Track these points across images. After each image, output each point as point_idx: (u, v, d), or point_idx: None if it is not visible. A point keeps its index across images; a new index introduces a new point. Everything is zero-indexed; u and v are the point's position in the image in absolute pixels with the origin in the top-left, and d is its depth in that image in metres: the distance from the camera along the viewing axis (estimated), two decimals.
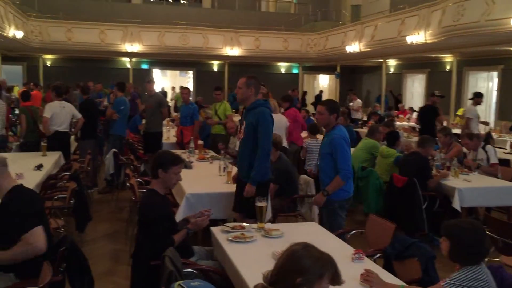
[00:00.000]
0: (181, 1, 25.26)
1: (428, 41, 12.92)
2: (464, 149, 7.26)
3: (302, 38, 20.22)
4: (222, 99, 9.12)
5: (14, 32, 13.86)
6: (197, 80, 22.06)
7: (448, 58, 15.91)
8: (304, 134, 9.48)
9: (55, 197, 5.14)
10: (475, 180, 5.96)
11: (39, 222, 2.91)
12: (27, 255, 2.86)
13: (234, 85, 19.09)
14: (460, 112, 12.83)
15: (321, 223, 4.43)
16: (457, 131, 10.81)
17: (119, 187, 7.89)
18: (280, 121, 7.67)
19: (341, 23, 20.72)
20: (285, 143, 7.72)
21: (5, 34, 13.08)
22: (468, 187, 5.62)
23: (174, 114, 14.96)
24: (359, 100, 14.99)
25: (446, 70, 16.20)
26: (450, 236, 2.60)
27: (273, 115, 7.60)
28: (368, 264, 3.08)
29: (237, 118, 12.32)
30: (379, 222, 4.01)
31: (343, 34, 17.92)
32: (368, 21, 16.69)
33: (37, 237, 2.84)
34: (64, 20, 18.00)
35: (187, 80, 24.23)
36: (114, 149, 7.71)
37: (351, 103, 15.57)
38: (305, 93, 21.21)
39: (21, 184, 3.16)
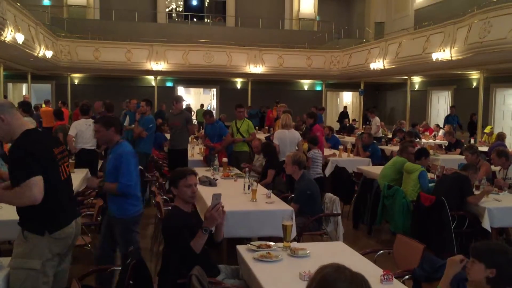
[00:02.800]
0: (206, 20, 25.65)
1: (454, 58, 12.78)
2: (494, 167, 7.11)
3: (325, 55, 20.25)
4: (244, 117, 9.15)
5: (44, 52, 14.27)
6: (220, 98, 22.25)
7: (474, 74, 15.69)
8: (327, 151, 9.45)
9: (83, 214, 5.21)
10: (505, 199, 5.81)
11: (40, 171, 2.86)
12: (22, 202, 2.86)
13: (257, 102, 19.26)
14: (487, 129, 12.58)
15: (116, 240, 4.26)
16: (484, 149, 10.60)
17: (144, 204, 7.94)
18: (293, 137, 7.68)
19: (364, 40, 20.69)
20: None
21: (35, 54, 13.48)
22: (498, 207, 5.48)
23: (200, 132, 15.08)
24: (377, 119, 14.80)
25: (473, 87, 15.97)
26: (481, 259, 2.54)
27: (285, 130, 7.78)
28: (397, 286, 3.02)
29: (260, 135, 12.37)
30: (407, 242, 3.94)
31: (366, 51, 17.89)
32: (392, 38, 16.64)
33: (33, 187, 2.80)
34: (92, 40, 18.47)
35: (211, 97, 24.47)
36: (140, 167, 7.78)
37: (369, 123, 15.43)
38: (322, 109, 20.93)
39: (35, 128, 3.15)
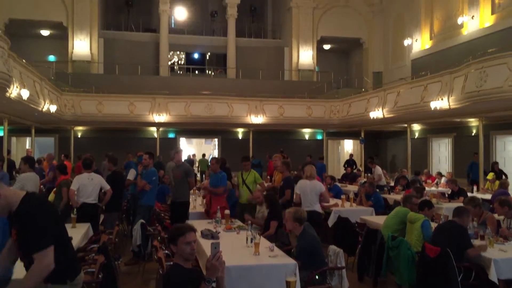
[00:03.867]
0: (207, 72, 26.23)
1: (452, 107, 12.95)
2: (497, 216, 7.06)
3: (325, 105, 20.53)
4: (250, 168, 9.19)
5: (49, 107, 14.50)
6: (222, 148, 22.38)
7: (473, 122, 15.85)
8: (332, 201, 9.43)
9: (84, 271, 5.14)
10: (511, 250, 5.74)
11: (52, 239, 3.06)
12: (42, 275, 3.05)
13: (258, 152, 19.28)
14: (490, 176, 12.56)
15: None
16: (488, 196, 10.55)
17: (146, 258, 7.84)
18: (314, 187, 7.81)
19: (363, 90, 21.03)
20: (318, 208, 7.80)
21: (40, 108, 13.70)
22: (504, 258, 5.39)
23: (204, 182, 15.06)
24: (378, 168, 14.82)
25: (473, 134, 16.08)
26: None
27: (307, 181, 7.85)
28: None
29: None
30: None
31: (365, 100, 18.15)
32: (390, 87, 16.93)
33: (49, 254, 3.02)
34: (95, 94, 18.81)
35: (213, 147, 24.62)
36: (142, 220, 7.75)
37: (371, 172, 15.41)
38: (321, 158, 20.87)
39: (32, 193, 3.26)
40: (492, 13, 16.16)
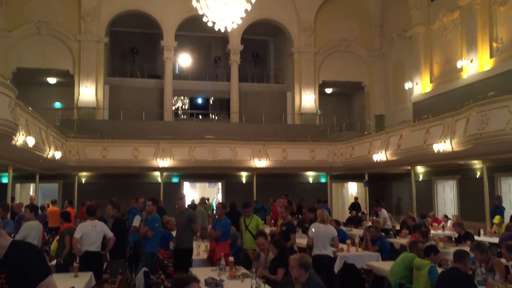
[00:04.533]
0: (211, 116, 26.53)
1: (455, 149, 12.97)
2: (505, 262, 6.94)
3: (328, 148, 20.60)
4: (251, 214, 9.15)
5: (54, 153, 14.61)
6: (226, 192, 22.31)
7: (477, 164, 15.82)
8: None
9: None
10: None
11: (49, 270, 2.85)
12: None
13: (262, 195, 19.19)
14: (496, 220, 12.43)
15: None
16: (495, 240, 10.40)
17: None
18: (327, 231, 7.89)
19: (366, 133, 21.16)
20: (330, 253, 7.84)
21: (45, 155, 13.80)
22: None
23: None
24: (384, 211, 14.71)
25: (477, 176, 16.02)
26: None
27: (321, 224, 7.84)
28: None
29: (266, 229, 12.25)
30: None
31: (368, 143, 18.22)
32: (393, 130, 17.03)
33: (55, 285, 2.79)
34: (100, 140, 18.97)
35: (216, 191, 24.56)
36: (145, 268, 7.66)
37: (377, 215, 15.29)
38: (325, 201, 20.57)
39: (21, 240, 3.17)
40: (491, 57, 16.45)
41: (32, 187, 19.93)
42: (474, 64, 16.94)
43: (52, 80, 24.06)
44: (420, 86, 20.75)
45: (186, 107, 27.22)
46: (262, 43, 28.72)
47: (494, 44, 16.32)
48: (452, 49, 18.78)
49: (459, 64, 17.77)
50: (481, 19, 16.83)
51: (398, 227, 14.42)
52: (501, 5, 16.01)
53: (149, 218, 8.85)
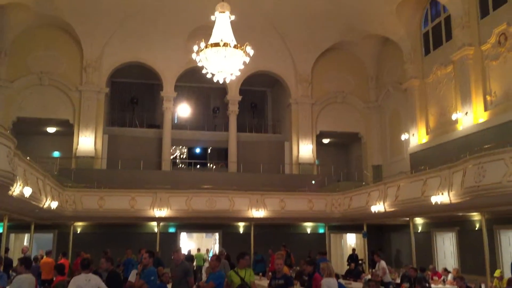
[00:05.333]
0: (209, 165, 26.57)
1: (453, 201, 12.94)
2: None
3: (326, 198, 20.52)
4: (247, 265, 8.96)
5: (50, 203, 14.52)
6: (223, 242, 21.98)
7: (476, 216, 15.72)
8: None
9: None
10: None
11: None
12: None
13: (260, 246, 18.92)
14: (497, 273, 12.24)
15: None
16: None
17: None
18: (333, 285, 8.01)
19: (364, 183, 21.15)
20: None
21: (41, 205, 13.71)
22: None
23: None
24: (383, 262, 14.48)
25: (476, 229, 15.88)
26: None
27: (332, 279, 7.76)
28: None
29: (263, 282, 12.02)
30: None
31: (366, 194, 18.18)
32: (390, 181, 17.04)
33: None
34: (97, 189, 18.91)
35: (213, 241, 24.22)
36: None
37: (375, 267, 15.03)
38: (324, 253, 20.06)
39: None
40: (485, 110, 16.72)
41: (26, 237, 19.65)
42: (469, 117, 17.19)
43: (51, 129, 24.26)
44: (416, 137, 20.95)
45: (184, 157, 27.31)
46: (260, 94, 29.23)
47: (488, 97, 16.63)
48: (447, 102, 19.11)
49: (454, 116, 18.04)
50: (474, 73, 17.23)
51: (398, 280, 14.16)
52: (493, 60, 16.45)
53: (145, 271, 8.70)
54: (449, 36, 19.11)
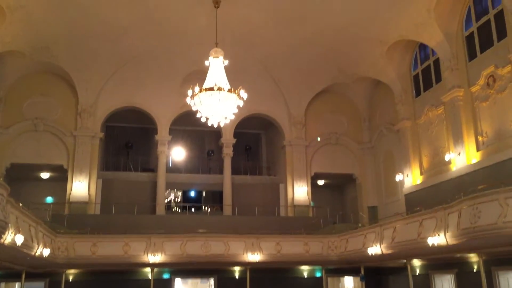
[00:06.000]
0: (204, 209, 26.39)
1: (449, 243, 12.86)
2: None
3: (322, 240, 20.33)
4: None
5: (42, 250, 14.28)
6: (219, 287, 21.59)
7: (474, 257, 15.56)
8: None
9: None
10: None
11: None
12: None
13: None
14: None
15: None
16: None
17: None
18: None
19: (360, 225, 21.01)
20: None
21: (33, 253, 13.48)
22: None
23: None
24: None
25: (474, 270, 15.68)
26: None
27: None
28: None
29: None
30: None
31: (363, 236, 18.04)
32: (386, 223, 16.95)
33: None
34: (90, 235, 18.65)
35: (209, 287, 23.73)
36: None
37: None
38: None
39: None
40: (478, 150, 16.86)
41: (17, 286, 19.20)
42: (462, 157, 17.31)
43: (45, 175, 24.15)
44: (410, 178, 20.99)
45: (179, 200, 27.14)
46: (255, 136, 29.41)
47: (480, 138, 16.80)
48: (440, 142, 19.27)
49: (447, 157, 18.16)
50: (465, 114, 17.48)
51: None
52: (482, 101, 16.72)
53: None
54: (438, 78, 19.49)
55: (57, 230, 17.76)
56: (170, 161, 26.92)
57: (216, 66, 15.78)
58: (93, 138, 23.33)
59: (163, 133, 24.64)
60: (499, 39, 16.10)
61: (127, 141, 26.40)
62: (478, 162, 16.61)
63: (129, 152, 26.20)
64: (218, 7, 17.53)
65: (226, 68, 15.81)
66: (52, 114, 23.05)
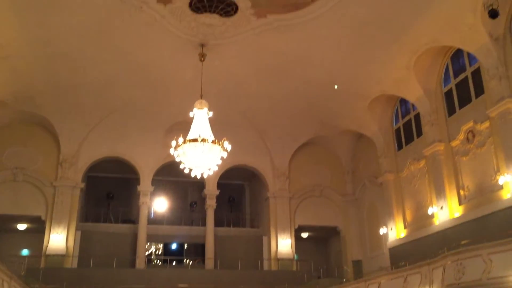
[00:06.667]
0: (185, 261, 25.74)
1: None
2: None
3: None
4: None
5: None
6: None
7: None
8: None
9: None
10: None
11: None
12: None
13: None
14: None
15: None
16: None
17: None
18: None
19: (344, 280, 20.65)
20: None
21: None
22: None
23: None
24: None
25: None
26: None
27: None
28: None
29: None
30: None
31: None
32: (371, 278, 16.67)
33: None
34: None
35: None
36: None
37: None
38: None
39: None
40: (460, 204, 16.92)
41: None
42: (445, 211, 17.33)
43: (22, 226, 23.47)
44: (394, 231, 20.87)
45: (160, 253, 26.50)
46: (238, 188, 29.24)
47: (462, 192, 16.90)
48: (422, 196, 19.34)
49: (430, 210, 18.17)
50: (446, 168, 17.66)
51: None
52: (463, 155, 16.97)
53: None
54: (419, 132, 19.82)
55: (31, 285, 17.04)
56: (152, 212, 26.46)
57: (201, 117, 15.90)
58: (73, 188, 22.86)
59: (145, 183, 24.35)
60: (477, 95, 16.56)
61: (109, 191, 26.00)
62: (461, 216, 16.63)
63: (110, 203, 25.74)
64: (203, 61, 17.93)
65: (210, 119, 15.92)
66: (32, 163, 22.62)
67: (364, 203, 24.54)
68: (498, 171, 15.14)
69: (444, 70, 18.53)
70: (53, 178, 22.74)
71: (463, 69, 17.53)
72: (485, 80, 15.85)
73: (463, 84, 17.41)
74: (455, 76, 17.92)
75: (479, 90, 16.41)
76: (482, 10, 14.19)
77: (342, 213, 25.59)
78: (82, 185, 23.42)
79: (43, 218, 22.25)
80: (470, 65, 17.06)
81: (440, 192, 17.70)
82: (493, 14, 11.96)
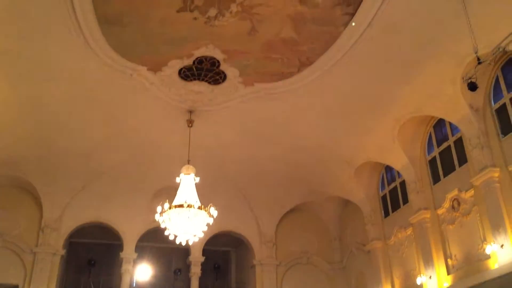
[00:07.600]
0: None
1: None
2: None
3: None
4: None
5: None
6: None
7: None
8: None
9: None
10: None
11: None
12: None
13: None
14: None
15: None
16: None
17: None
18: None
19: None
20: None
21: None
22: None
23: None
24: None
25: None
26: None
27: None
28: None
29: None
30: None
31: None
32: None
33: None
34: None
35: None
36: None
37: None
38: None
39: None
40: (448, 274, 16.65)
41: None
42: (433, 281, 17.02)
43: None
44: None
45: None
46: (224, 254, 28.61)
47: (450, 261, 16.69)
48: (410, 264, 19.06)
49: (418, 280, 17.83)
50: (433, 236, 17.54)
51: None
52: (449, 223, 16.93)
53: None
54: (405, 200, 19.84)
55: None
56: (134, 280, 25.58)
57: (187, 183, 15.84)
58: (54, 255, 22.05)
59: (128, 250, 23.70)
60: (460, 164, 16.79)
61: (90, 258, 25.20)
62: (449, 286, 16.33)
63: (91, 270, 24.89)
64: (191, 126, 18.14)
65: (197, 184, 15.86)
66: (13, 229, 21.85)
67: (352, 271, 24.05)
68: (484, 240, 15.06)
69: (427, 138, 18.89)
70: (34, 245, 21.96)
71: (445, 138, 17.88)
72: (468, 149, 16.13)
73: (446, 152, 17.70)
74: (438, 144, 18.25)
75: (463, 159, 16.66)
76: (461, 83, 14.70)
77: (329, 281, 24.98)
78: (63, 251, 22.65)
79: (20, 286, 21.30)
80: (453, 135, 17.43)
81: (428, 261, 17.46)
82: (472, 86, 12.35)
